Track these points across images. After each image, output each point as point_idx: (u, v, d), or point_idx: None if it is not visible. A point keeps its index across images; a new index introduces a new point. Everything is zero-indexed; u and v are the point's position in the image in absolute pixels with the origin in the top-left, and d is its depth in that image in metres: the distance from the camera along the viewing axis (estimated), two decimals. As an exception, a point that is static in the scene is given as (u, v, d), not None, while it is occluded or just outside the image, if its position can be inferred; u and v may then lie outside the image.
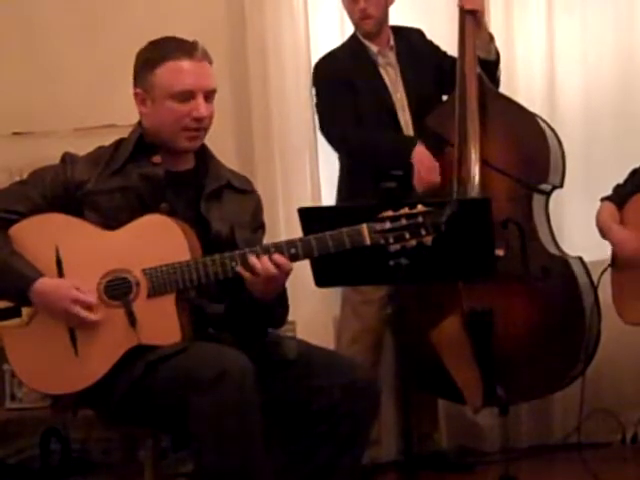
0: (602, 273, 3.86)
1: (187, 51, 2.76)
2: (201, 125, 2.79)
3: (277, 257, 2.65)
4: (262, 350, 2.80)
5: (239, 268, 2.66)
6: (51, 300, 2.72)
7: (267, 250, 2.67)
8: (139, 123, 2.88)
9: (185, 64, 2.75)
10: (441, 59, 4.23)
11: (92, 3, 4.45)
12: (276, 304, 2.80)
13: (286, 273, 2.68)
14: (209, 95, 2.79)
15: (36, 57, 4.44)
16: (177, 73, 2.75)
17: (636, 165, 3.92)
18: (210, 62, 2.81)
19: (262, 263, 2.65)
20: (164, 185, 2.81)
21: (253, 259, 2.65)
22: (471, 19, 4.01)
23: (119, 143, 2.89)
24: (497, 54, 4.14)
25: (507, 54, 4.31)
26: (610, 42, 4.44)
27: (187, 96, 2.76)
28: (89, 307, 2.71)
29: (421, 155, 3.98)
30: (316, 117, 4.32)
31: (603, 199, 3.88)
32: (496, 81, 4.15)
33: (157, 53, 2.78)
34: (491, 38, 4.11)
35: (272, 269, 2.65)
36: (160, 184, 2.81)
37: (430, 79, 4.18)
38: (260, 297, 2.72)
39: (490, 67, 4.10)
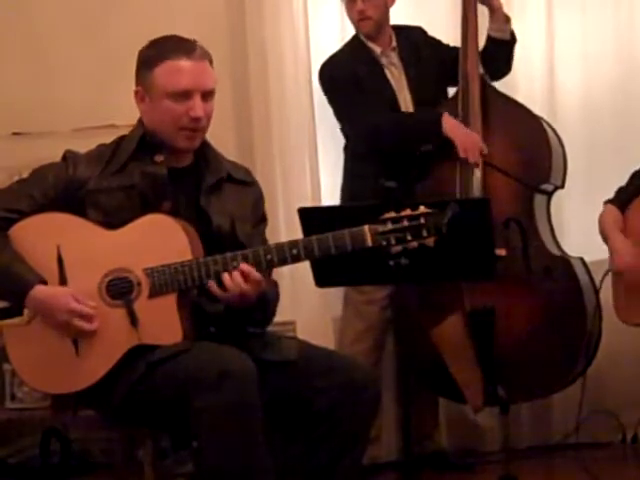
0: (604, 277, 3.86)
1: (186, 50, 2.76)
2: (198, 125, 2.78)
3: (244, 267, 2.66)
4: (262, 350, 2.80)
5: (211, 284, 2.68)
6: (48, 309, 2.72)
7: (268, 249, 2.68)
8: (140, 121, 2.87)
9: (183, 64, 2.75)
10: (444, 54, 4.21)
11: (92, 3, 4.44)
12: (256, 308, 2.79)
13: (255, 284, 2.68)
14: (207, 95, 2.78)
15: (36, 57, 4.43)
16: (174, 73, 2.75)
17: (636, 166, 3.92)
18: (210, 61, 2.81)
19: (233, 279, 2.66)
20: (167, 184, 2.81)
21: (225, 275, 2.66)
22: (474, 17, 4.01)
23: (120, 140, 2.89)
24: (513, 36, 4.15)
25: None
26: (610, 42, 4.44)
27: (184, 96, 2.75)
28: (88, 317, 2.71)
29: (453, 125, 3.97)
30: (316, 118, 4.33)
31: (606, 202, 3.89)
32: (509, 62, 4.16)
33: (156, 52, 2.79)
34: (507, 19, 4.12)
35: (242, 284, 2.66)
36: (163, 183, 2.80)
37: (433, 77, 4.19)
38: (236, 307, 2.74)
39: (504, 47, 4.12)
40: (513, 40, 4.16)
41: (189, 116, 2.76)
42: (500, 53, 4.14)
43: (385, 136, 4.03)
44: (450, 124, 3.96)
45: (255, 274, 2.67)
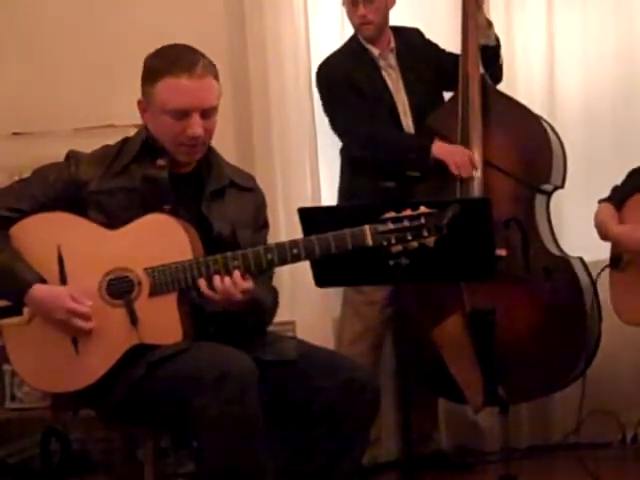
0: (600, 272, 3.86)
1: (187, 67, 2.72)
2: (197, 142, 2.77)
3: (236, 277, 2.66)
4: (262, 350, 2.80)
5: (201, 282, 2.67)
6: (47, 309, 2.73)
7: (269, 249, 2.68)
8: (145, 125, 2.86)
9: (183, 81, 2.71)
10: (441, 57, 4.23)
11: (92, 3, 4.45)
12: (247, 313, 2.78)
13: (241, 292, 2.67)
14: (207, 112, 2.76)
15: (36, 57, 4.44)
16: (173, 91, 2.72)
17: (635, 165, 3.92)
18: (214, 76, 2.77)
19: (224, 282, 2.66)
20: (168, 187, 2.80)
21: (216, 278, 2.66)
22: (474, 17, 4.01)
23: (124, 143, 2.88)
24: (497, 40, 4.15)
25: (507, 54, 4.30)
26: (610, 42, 4.44)
27: (182, 114, 2.73)
28: (85, 316, 2.71)
29: (440, 148, 3.97)
30: (316, 117, 4.33)
31: (601, 201, 3.88)
32: (498, 67, 4.16)
33: (158, 65, 2.75)
34: (489, 24, 4.11)
35: (231, 289, 2.66)
36: (164, 187, 2.80)
37: (431, 79, 4.18)
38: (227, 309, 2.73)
39: (490, 53, 4.11)
40: (498, 45, 4.16)
41: (187, 134, 2.74)
42: (487, 59, 4.12)
43: (380, 149, 4.02)
44: (438, 147, 3.97)
45: (244, 284, 2.67)
